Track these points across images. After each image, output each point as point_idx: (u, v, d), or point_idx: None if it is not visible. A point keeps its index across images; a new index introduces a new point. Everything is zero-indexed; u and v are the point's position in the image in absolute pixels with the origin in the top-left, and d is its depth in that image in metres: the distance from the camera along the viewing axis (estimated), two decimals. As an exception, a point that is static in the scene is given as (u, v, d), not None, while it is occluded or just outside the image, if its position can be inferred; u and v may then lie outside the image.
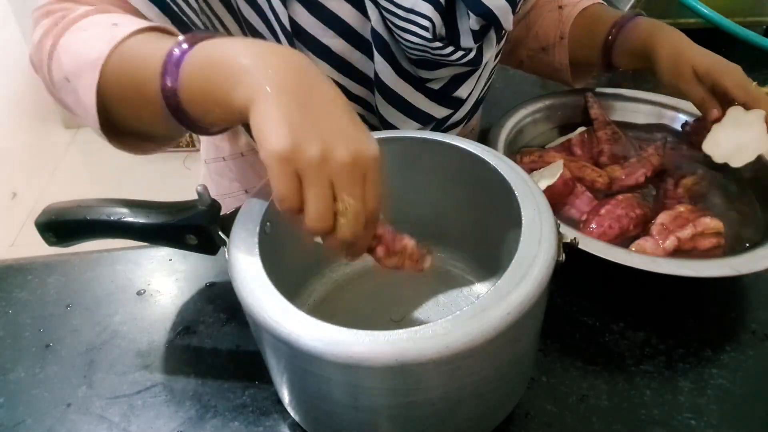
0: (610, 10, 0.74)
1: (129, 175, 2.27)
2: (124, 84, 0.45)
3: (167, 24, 0.51)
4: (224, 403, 0.50)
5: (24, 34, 2.21)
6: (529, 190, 0.45)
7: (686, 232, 0.58)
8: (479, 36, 0.59)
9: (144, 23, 0.47)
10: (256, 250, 0.41)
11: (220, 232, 0.46)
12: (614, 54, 0.71)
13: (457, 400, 0.40)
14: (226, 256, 0.43)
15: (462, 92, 0.65)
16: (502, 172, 0.47)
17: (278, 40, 0.56)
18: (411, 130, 0.53)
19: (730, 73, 0.64)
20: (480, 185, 0.50)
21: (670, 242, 0.58)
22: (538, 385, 0.51)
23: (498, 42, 0.63)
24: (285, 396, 0.46)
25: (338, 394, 0.40)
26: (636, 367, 0.53)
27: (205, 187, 0.44)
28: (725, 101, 0.65)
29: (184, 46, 0.41)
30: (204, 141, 0.81)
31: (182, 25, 0.53)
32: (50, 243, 0.49)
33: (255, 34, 0.57)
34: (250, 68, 0.37)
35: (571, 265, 0.43)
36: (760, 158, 0.66)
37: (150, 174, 2.27)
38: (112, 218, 0.46)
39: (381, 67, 0.58)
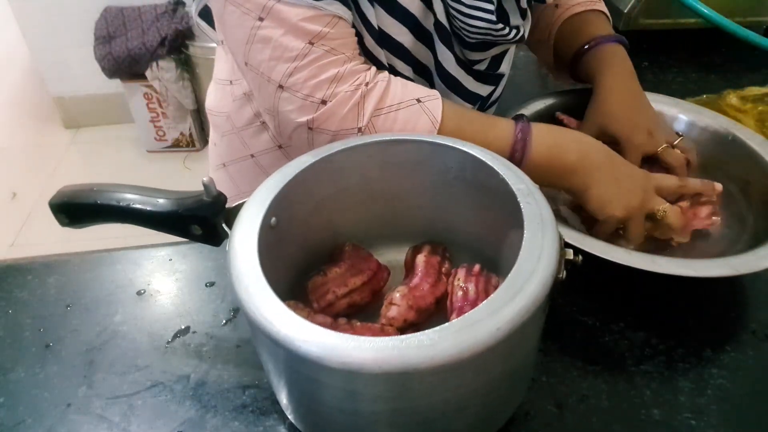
0: (598, 23, 0.74)
1: (129, 175, 2.27)
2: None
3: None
4: (224, 403, 0.50)
5: (24, 35, 2.21)
6: (534, 201, 0.44)
7: (685, 202, 0.62)
8: (525, 13, 0.65)
9: (430, 92, 0.57)
10: (256, 250, 0.41)
11: (223, 225, 0.47)
12: (578, 69, 0.73)
13: (445, 410, 0.39)
14: (227, 249, 0.43)
15: (503, 68, 0.72)
16: (508, 181, 0.46)
17: (366, 42, 0.60)
18: (418, 134, 0.53)
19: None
20: (486, 191, 0.49)
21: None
22: (538, 385, 0.51)
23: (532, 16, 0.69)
24: (282, 397, 0.46)
25: (329, 397, 0.40)
26: (636, 367, 0.53)
27: (211, 179, 0.45)
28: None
29: (521, 139, 0.57)
30: (222, 145, 0.77)
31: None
32: (63, 223, 0.51)
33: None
34: (578, 166, 0.57)
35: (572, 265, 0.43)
36: (757, 160, 0.66)
37: (150, 174, 2.27)
38: (121, 204, 0.48)
39: (444, 56, 0.63)
